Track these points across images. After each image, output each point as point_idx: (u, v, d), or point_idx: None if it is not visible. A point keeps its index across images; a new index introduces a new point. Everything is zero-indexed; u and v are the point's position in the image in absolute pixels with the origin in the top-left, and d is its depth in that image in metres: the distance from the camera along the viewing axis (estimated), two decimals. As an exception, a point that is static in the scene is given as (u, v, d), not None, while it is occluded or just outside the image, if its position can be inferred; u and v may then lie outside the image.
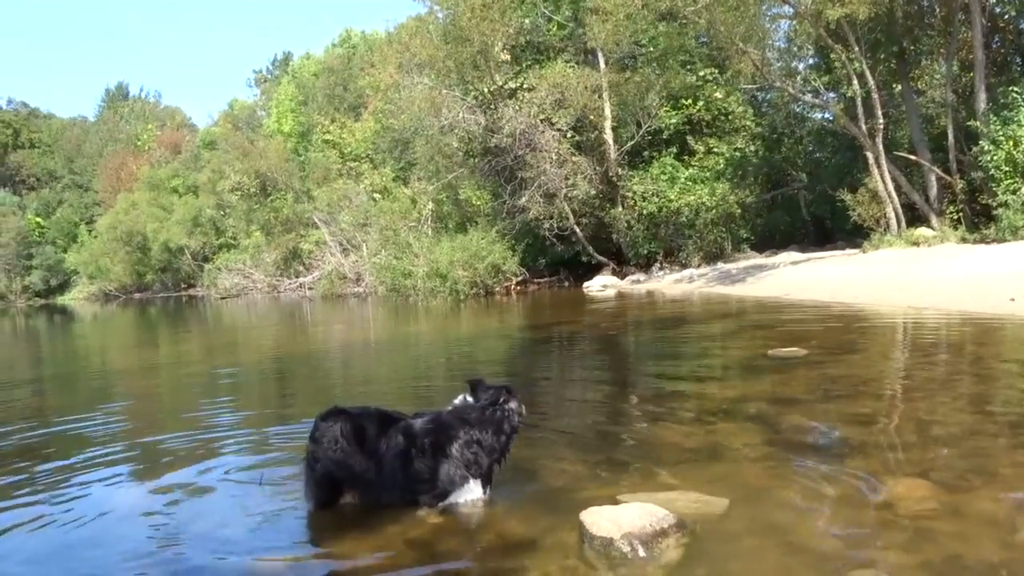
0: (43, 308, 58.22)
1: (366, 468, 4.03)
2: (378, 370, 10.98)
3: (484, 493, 4.08)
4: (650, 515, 3.42)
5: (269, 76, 75.37)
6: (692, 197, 25.70)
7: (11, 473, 5.42)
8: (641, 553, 3.25)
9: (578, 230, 27.47)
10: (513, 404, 4.14)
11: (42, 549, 3.90)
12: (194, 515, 4.25)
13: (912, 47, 23.00)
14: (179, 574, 3.48)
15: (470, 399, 4.16)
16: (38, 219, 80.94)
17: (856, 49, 20.70)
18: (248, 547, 3.73)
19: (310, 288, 40.91)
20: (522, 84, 26.96)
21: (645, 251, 27.30)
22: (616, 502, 3.68)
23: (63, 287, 77.59)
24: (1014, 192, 18.37)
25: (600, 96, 27.15)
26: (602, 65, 27.56)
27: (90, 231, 73.92)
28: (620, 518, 3.40)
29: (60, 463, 5.66)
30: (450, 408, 4.19)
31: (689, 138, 28.22)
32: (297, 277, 43.42)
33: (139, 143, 78.84)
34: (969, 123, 20.31)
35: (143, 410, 8.33)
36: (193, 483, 4.87)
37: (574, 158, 26.83)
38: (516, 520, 3.86)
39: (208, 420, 7.31)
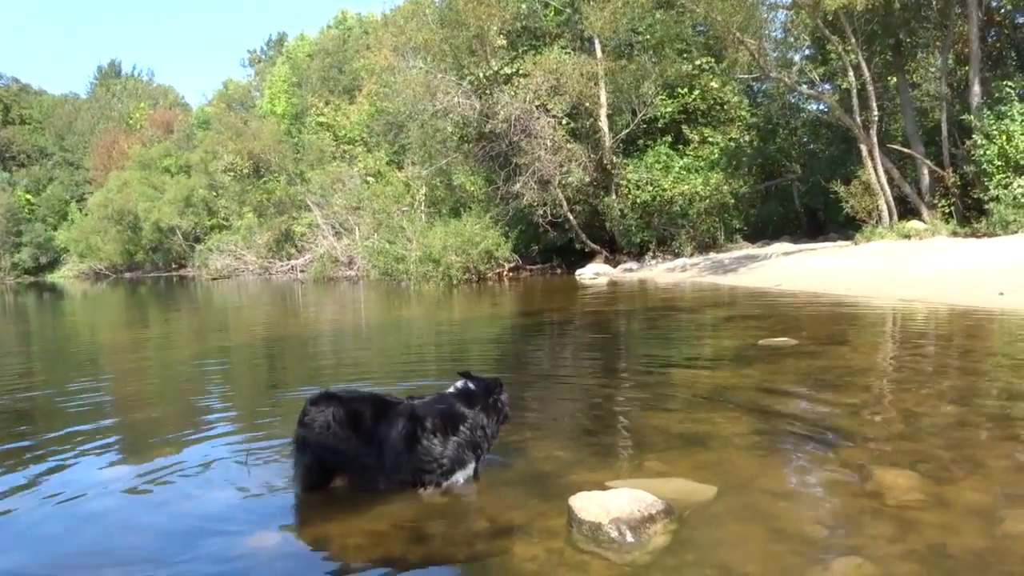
0: (32, 286, 57.92)
1: (362, 453, 4.01)
2: (369, 353, 10.97)
3: (475, 477, 4.14)
4: (638, 501, 3.44)
5: (263, 56, 74.90)
6: (686, 186, 25.72)
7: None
8: (629, 538, 3.27)
9: (571, 217, 27.47)
10: (504, 397, 4.23)
11: (25, 530, 3.90)
12: (178, 494, 4.25)
13: (908, 40, 23.03)
14: (162, 553, 3.48)
15: (471, 385, 4.17)
16: (28, 196, 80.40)
17: (853, 41, 20.72)
18: (233, 529, 3.73)
19: (302, 271, 40.81)
20: (518, 70, 26.84)
21: (638, 240, 27.33)
22: (605, 487, 3.70)
23: (53, 265, 77.19)
24: (1006, 187, 18.45)
25: (596, 83, 27.11)
26: (598, 52, 27.49)
27: (80, 209, 73.50)
28: (609, 503, 3.41)
29: (45, 441, 5.64)
30: (452, 391, 4.20)
31: (684, 127, 28.23)
32: (289, 259, 43.28)
33: (131, 121, 78.27)
34: (963, 117, 20.38)
35: (130, 389, 8.30)
36: (178, 462, 4.86)
37: (569, 145, 26.78)
38: (505, 504, 3.87)
39: (195, 400, 7.30)
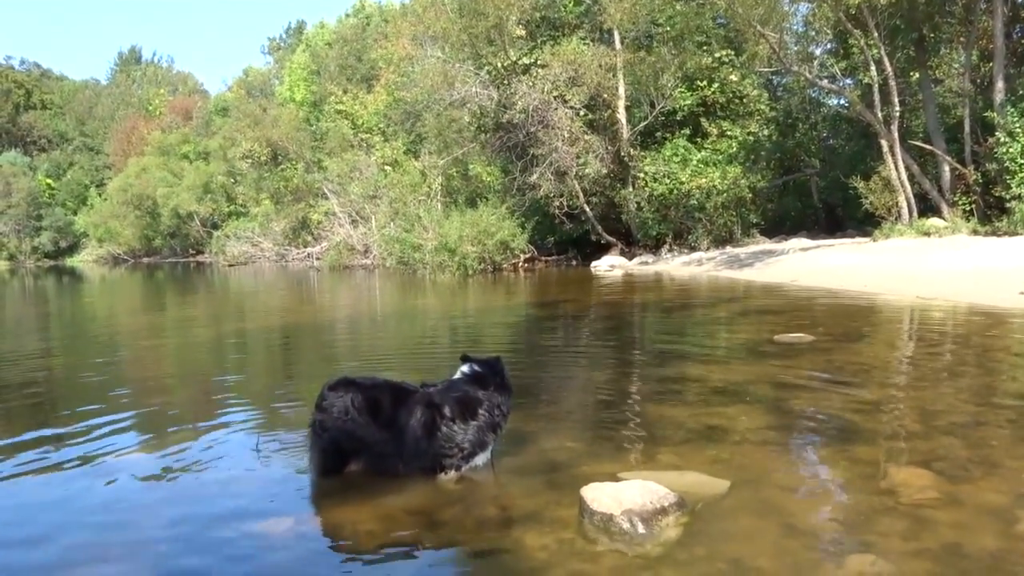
0: (52, 269, 58.46)
1: (381, 440, 4.04)
2: (384, 340, 11.00)
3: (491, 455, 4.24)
4: (651, 493, 3.44)
5: (283, 44, 75.04)
6: (703, 180, 25.53)
7: (15, 431, 5.46)
8: (641, 530, 3.27)
9: (588, 209, 27.38)
10: (506, 371, 4.31)
11: (34, 512, 3.94)
12: (191, 477, 4.29)
13: (932, 34, 22.71)
14: (175, 537, 3.51)
15: (477, 368, 4.20)
16: (48, 180, 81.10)
17: (875, 35, 20.47)
18: (246, 512, 3.76)
19: (318, 259, 40.94)
20: (536, 60, 26.73)
21: (654, 232, 27.20)
22: (617, 479, 3.70)
23: (72, 249, 77.92)
24: (1028, 185, 18.22)
25: (614, 75, 26.95)
26: (617, 44, 27.33)
27: (100, 194, 74.12)
28: (621, 495, 3.41)
29: (58, 422, 5.70)
30: (460, 376, 4.22)
31: (703, 120, 28.02)
32: (305, 247, 43.45)
33: (151, 107, 78.76)
34: (986, 114, 20.13)
35: (145, 373, 8.37)
36: (192, 445, 4.91)
37: (586, 137, 26.66)
38: (517, 493, 3.88)
39: (210, 383, 7.35)
